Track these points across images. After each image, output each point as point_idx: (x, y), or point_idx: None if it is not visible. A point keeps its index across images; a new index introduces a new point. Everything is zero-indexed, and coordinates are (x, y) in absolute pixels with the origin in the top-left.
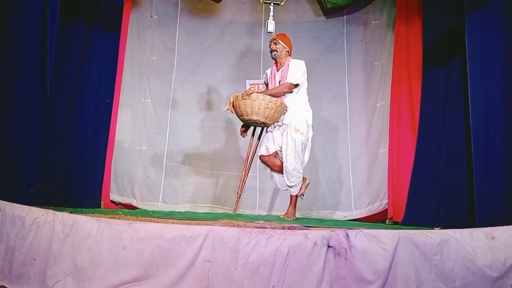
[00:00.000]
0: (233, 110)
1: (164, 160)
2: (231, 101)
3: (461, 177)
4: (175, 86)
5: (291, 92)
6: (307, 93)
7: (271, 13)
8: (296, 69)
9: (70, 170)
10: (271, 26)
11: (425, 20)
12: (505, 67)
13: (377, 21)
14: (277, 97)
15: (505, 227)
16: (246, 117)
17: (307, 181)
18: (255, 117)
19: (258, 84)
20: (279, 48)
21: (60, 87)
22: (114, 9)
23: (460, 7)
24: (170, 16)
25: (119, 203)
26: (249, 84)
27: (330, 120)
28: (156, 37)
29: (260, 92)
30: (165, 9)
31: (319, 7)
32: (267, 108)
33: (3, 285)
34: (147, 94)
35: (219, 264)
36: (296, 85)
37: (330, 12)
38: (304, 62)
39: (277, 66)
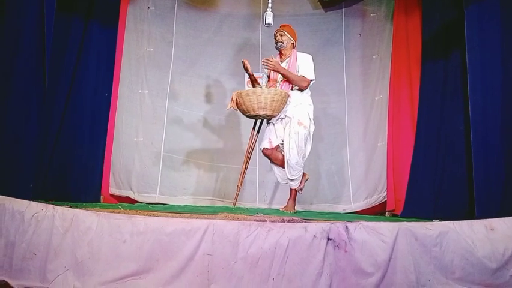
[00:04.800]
0: (237, 108)
1: (162, 151)
2: (234, 98)
3: (460, 169)
4: (173, 77)
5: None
6: (310, 88)
7: (270, 5)
8: (309, 64)
9: (68, 163)
10: (269, 18)
11: (424, 12)
12: (504, 59)
13: (375, 14)
14: (292, 84)
15: (504, 218)
16: (252, 113)
17: (307, 176)
18: (262, 112)
19: (256, 77)
20: (285, 40)
21: (58, 80)
22: (111, 1)
23: None
24: (168, 8)
25: (116, 196)
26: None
27: (328, 113)
28: (153, 29)
29: (282, 72)
30: (162, 0)
31: None
32: (273, 101)
33: (3, 280)
34: (144, 85)
35: (218, 258)
36: (311, 81)
37: (328, 4)
38: (312, 57)
39: (281, 57)
